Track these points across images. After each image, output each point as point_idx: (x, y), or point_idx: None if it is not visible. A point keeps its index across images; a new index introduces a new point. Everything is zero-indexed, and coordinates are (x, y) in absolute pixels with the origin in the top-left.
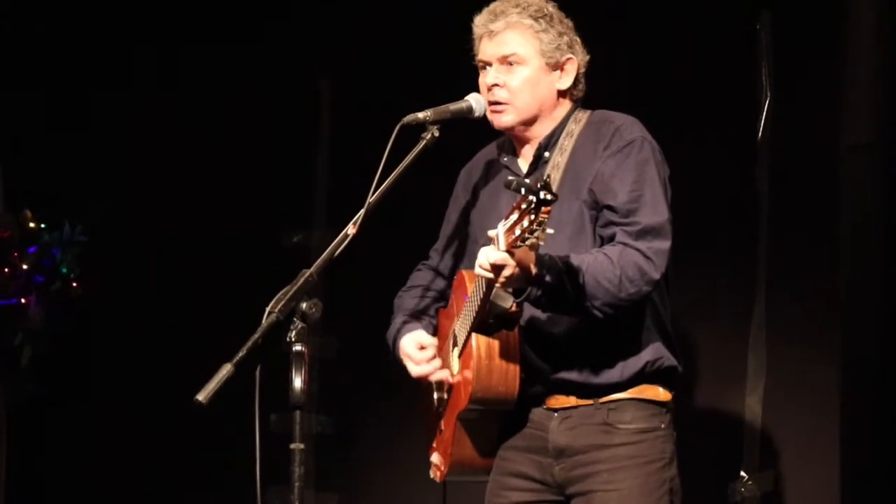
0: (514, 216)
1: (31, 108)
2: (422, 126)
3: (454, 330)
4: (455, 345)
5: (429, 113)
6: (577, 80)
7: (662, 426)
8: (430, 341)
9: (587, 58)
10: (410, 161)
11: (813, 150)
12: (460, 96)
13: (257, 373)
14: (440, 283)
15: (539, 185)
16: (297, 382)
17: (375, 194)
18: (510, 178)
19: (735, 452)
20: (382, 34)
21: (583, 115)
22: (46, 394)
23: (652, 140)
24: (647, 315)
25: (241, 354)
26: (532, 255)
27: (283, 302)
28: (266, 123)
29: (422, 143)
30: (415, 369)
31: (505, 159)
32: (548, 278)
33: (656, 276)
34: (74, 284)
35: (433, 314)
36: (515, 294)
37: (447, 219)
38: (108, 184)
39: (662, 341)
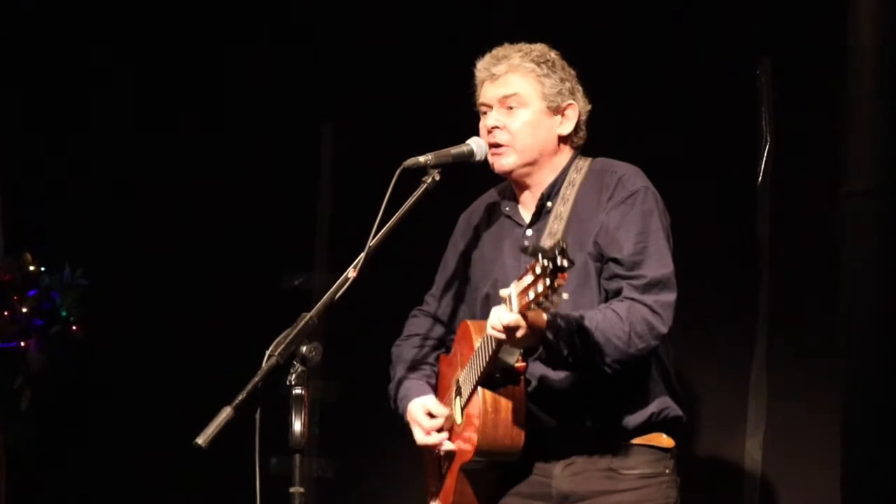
0: (528, 279)
1: (33, 151)
2: (422, 170)
3: (458, 379)
4: (458, 394)
5: (430, 157)
6: (577, 126)
7: (667, 472)
8: (440, 411)
9: (588, 107)
10: (411, 205)
11: (813, 195)
12: (461, 140)
13: (257, 416)
14: (439, 330)
15: (556, 251)
16: (297, 426)
17: (376, 238)
18: (526, 243)
19: (735, 498)
20: (384, 78)
21: (584, 164)
22: (46, 437)
23: (654, 190)
24: (652, 366)
25: (240, 398)
26: (544, 316)
27: (283, 345)
28: (268, 166)
29: (422, 187)
30: (422, 438)
31: (507, 208)
32: (559, 341)
33: (664, 329)
34: (74, 328)
35: (433, 362)
36: (525, 353)
37: (444, 264)
38: (108, 226)
39: (667, 392)
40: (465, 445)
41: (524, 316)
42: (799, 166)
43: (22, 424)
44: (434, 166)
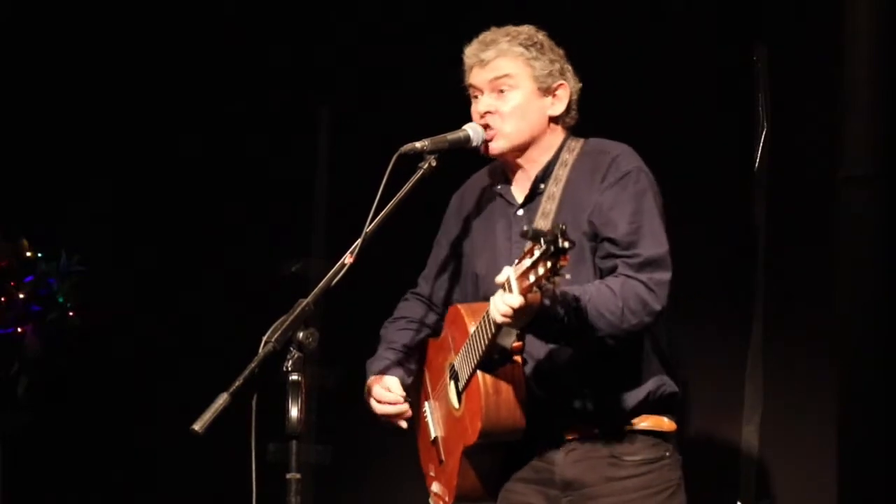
0: (527, 262)
1: (30, 139)
2: (419, 156)
3: (453, 365)
4: (454, 379)
5: (426, 142)
6: (569, 107)
7: (667, 454)
8: (397, 390)
9: (579, 86)
10: (408, 190)
11: (810, 181)
12: (458, 126)
13: (254, 402)
14: (432, 317)
15: (557, 233)
16: (294, 412)
17: (373, 224)
18: (525, 227)
19: (732, 482)
20: (382, 63)
21: (576, 144)
22: (42, 423)
23: (648, 170)
24: (647, 343)
25: (237, 384)
26: (539, 294)
27: (279, 331)
28: (265, 152)
29: (419, 173)
30: (379, 408)
31: (499, 188)
32: (552, 314)
33: (658, 307)
34: (71, 314)
35: (415, 345)
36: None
37: (437, 245)
38: (105, 213)
39: (663, 368)
40: (467, 429)
41: (524, 297)
42: (795, 152)
43: (18, 411)
44: (430, 152)
